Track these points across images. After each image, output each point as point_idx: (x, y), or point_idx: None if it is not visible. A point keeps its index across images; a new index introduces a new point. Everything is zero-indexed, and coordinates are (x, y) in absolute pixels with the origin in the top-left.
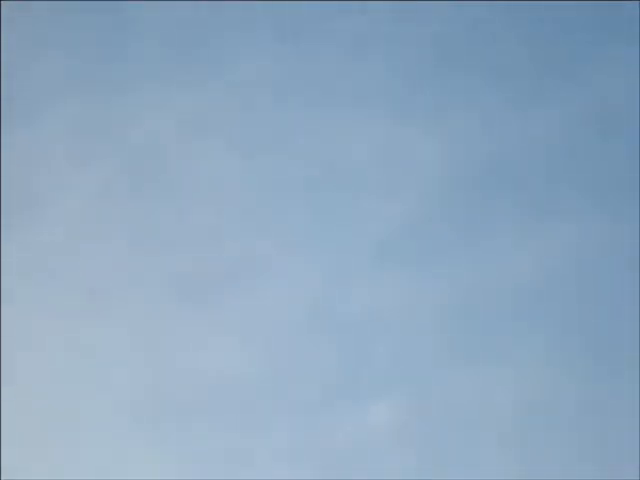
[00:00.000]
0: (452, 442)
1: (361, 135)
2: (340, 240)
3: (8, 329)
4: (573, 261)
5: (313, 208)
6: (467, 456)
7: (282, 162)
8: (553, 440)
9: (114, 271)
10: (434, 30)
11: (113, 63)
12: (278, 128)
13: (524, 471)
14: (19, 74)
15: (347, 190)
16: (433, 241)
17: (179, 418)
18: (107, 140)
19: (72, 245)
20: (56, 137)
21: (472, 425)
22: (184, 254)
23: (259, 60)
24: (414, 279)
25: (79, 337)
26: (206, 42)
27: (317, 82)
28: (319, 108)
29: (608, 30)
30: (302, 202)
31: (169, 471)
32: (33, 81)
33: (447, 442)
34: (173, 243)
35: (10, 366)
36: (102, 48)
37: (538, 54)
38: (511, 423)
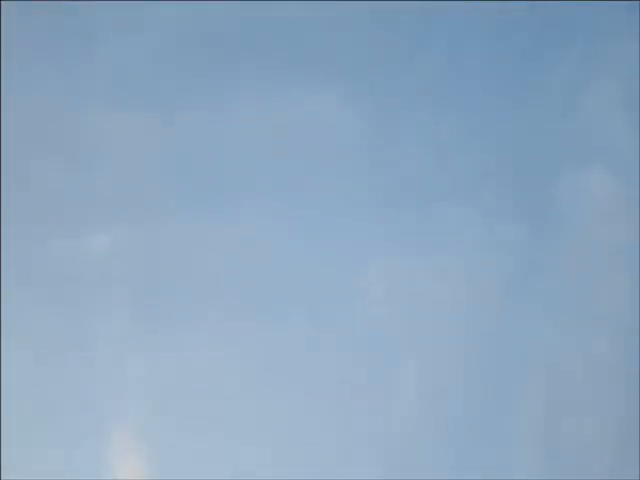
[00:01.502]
0: (163, 278)
1: None
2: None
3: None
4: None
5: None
6: (183, 282)
7: None
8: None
9: None
10: None
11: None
12: None
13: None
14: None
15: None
16: (175, 85)
17: None
18: None
19: None
20: None
21: (186, 265)
22: None
23: None
24: (150, 122)
25: None
26: None
27: None
28: None
29: None
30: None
31: None
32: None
33: (159, 278)
34: None
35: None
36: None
37: None
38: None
